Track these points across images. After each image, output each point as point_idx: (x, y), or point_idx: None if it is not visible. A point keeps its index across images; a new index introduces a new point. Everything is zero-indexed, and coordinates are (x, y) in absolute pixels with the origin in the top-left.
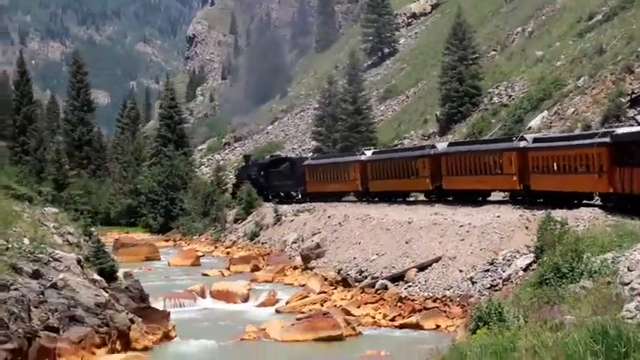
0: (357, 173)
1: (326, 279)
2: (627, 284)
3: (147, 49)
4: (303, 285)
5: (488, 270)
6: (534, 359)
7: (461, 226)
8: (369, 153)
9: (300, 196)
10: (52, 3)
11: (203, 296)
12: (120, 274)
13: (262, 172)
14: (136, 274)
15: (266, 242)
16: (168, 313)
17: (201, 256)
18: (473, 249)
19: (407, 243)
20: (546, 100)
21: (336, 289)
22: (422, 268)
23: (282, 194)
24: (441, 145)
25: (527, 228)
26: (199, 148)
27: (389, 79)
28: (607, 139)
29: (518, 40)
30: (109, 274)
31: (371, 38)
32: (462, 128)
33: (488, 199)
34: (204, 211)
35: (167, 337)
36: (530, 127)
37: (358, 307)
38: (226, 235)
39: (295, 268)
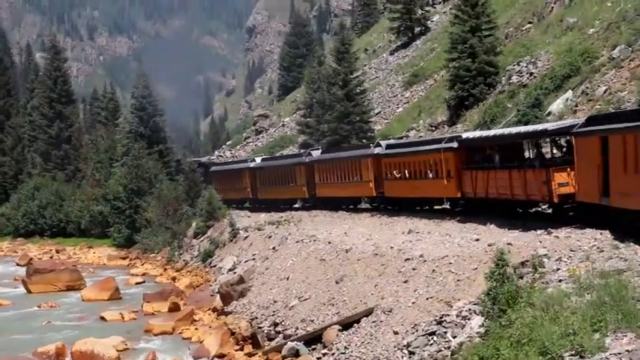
0: (247, 180)
1: (233, 333)
2: None
3: (213, 43)
4: (202, 342)
5: (433, 333)
6: None
7: (407, 259)
8: (258, 160)
9: None
10: None
11: None
12: None
13: None
14: (29, 314)
15: (215, 265)
16: None
17: (140, 283)
18: (417, 297)
19: (337, 283)
20: (573, 78)
21: (242, 349)
22: (347, 324)
23: None
24: (316, 153)
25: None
26: (227, 143)
27: (417, 62)
28: (453, 144)
29: (556, 9)
30: None
31: (399, 16)
32: (474, 115)
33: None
34: (166, 223)
35: None
36: (549, 113)
37: None
38: (181, 255)
39: (215, 310)
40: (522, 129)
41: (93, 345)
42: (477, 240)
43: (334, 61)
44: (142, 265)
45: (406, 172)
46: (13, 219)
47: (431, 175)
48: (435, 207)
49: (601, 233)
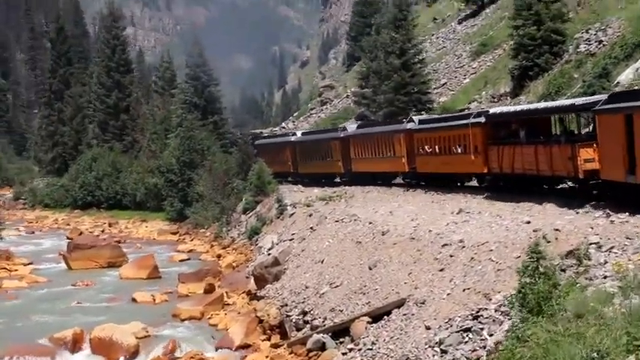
0: (289, 154)
1: (261, 321)
2: None
3: (289, 13)
4: (227, 330)
5: (469, 329)
6: None
7: (444, 245)
8: (299, 134)
9: None
10: None
11: (76, 348)
12: None
13: None
14: (62, 293)
15: (258, 243)
16: None
17: (184, 260)
18: (453, 287)
19: (370, 269)
20: None
21: (269, 339)
22: (376, 316)
23: None
24: (352, 127)
25: None
26: (294, 114)
27: (486, 31)
28: (481, 119)
29: None
30: None
31: None
32: (538, 86)
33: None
34: (216, 197)
35: None
36: (618, 83)
37: None
38: (229, 231)
39: (249, 293)
40: (549, 104)
41: (112, 331)
42: (528, 223)
43: (392, 29)
44: (191, 240)
45: (436, 147)
46: (72, 190)
47: (459, 151)
48: (466, 184)
49: None
